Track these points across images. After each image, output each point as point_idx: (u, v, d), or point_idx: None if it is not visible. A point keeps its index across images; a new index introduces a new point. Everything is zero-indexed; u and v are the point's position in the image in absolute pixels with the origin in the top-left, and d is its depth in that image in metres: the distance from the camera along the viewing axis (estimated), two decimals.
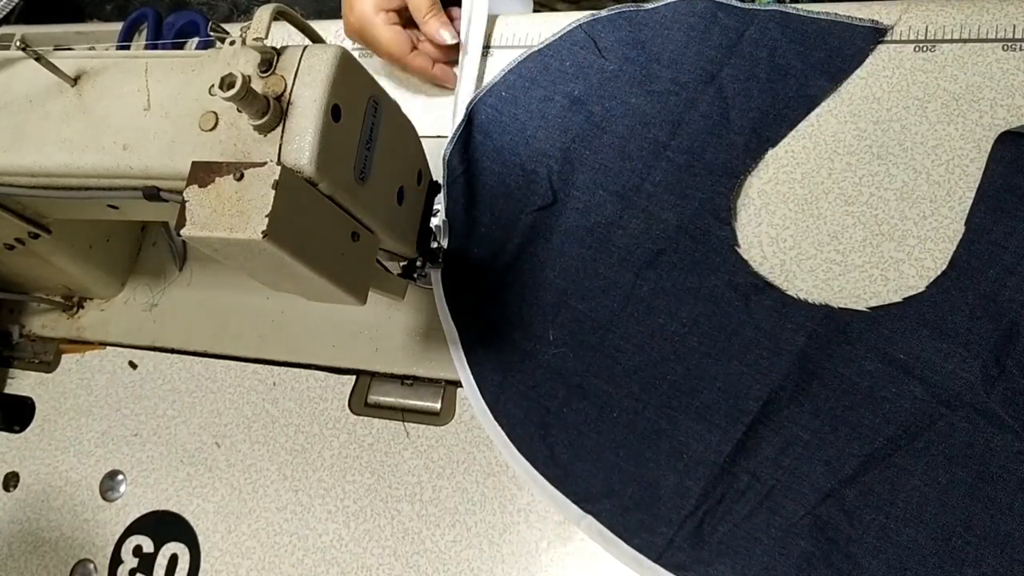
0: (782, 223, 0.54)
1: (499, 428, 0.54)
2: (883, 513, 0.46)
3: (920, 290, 0.50)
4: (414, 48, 0.63)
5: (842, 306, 0.51)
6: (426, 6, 0.61)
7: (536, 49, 0.62)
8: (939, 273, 0.50)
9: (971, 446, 0.46)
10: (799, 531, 0.47)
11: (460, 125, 0.61)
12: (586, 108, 0.59)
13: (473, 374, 0.55)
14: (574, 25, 0.61)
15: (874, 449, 0.48)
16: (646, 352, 0.53)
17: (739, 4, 0.58)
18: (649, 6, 0.61)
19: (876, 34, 0.56)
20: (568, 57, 0.61)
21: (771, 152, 0.56)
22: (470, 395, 0.55)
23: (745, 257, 0.54)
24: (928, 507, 0.46)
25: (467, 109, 0.61)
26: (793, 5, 0.58)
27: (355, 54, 0.63)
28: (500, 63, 0.64)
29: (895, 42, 0.56)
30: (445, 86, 0.64)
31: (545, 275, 0.56)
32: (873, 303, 0.51)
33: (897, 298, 0.50)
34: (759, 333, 0.51)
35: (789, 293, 0.52)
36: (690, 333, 0.53)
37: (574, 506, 0.51)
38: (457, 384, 0.57)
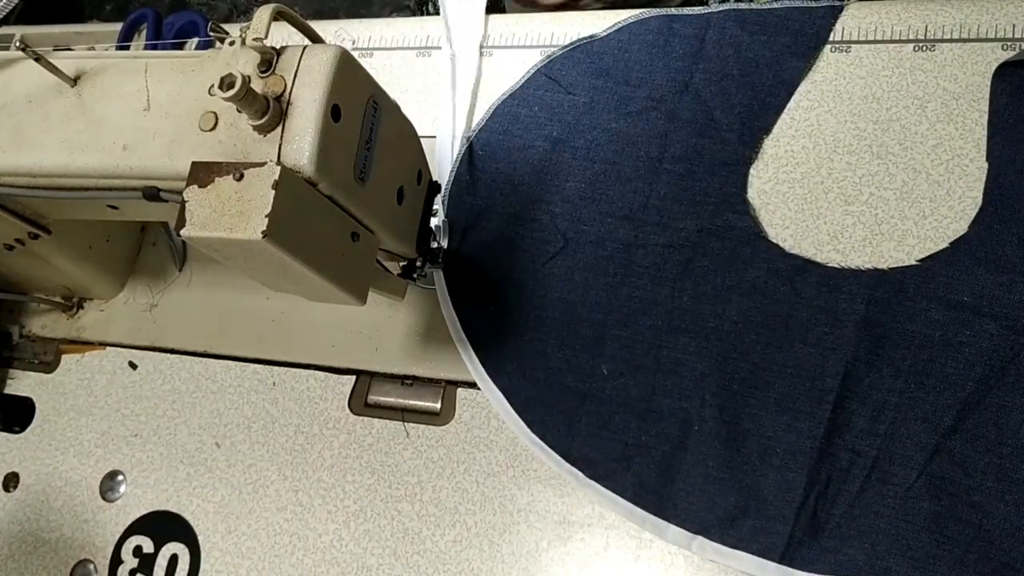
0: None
1: (578, 472, 0.53)
2: (995, 454, 0.46)
3: (964, 231, 0.51)
4: None
5: (891, 265, 0.51)
6: None
7: (500, 100, 0.62)
8: (977, 211, 0.51)
9: None
10: (917, 494, 0.47)
11: (447, 190, 0.61)
12: (569, 145, 0.59)
13: (534, 431, 0.54)
14: (533, 70, 0.62)
15: (967, 395, 0.48)
16: (706, 358, 0.52)
17: (691, 11, 0.59)
18: (602, 34, 0.61)
19: (834, 11, 0.57)
20: (535, 102, 0.61)
21: (771, 151, 0.56)
22: (536, 451, 0.54)
23: (776, 242, 0.54)
24: None
25: (450, 175, 0.61)
26: (749, 3, 0.60)
27: (355, 54, 0.63)
28: (500, 64, 0.64)
29: (895, 42, 0.56)
30: None
31: (578, 313, 0.56)
32: (921, 255, 0.51)
33: (944, 244, 0.51)
34: (814, 311, 0.51)
35: (832, 266, 0.52)
36: (744, 329, 0.52)
37: (679, 529, 0.50)
38: (457, 384, 0.57)
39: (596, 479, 0.52)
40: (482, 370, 0.56)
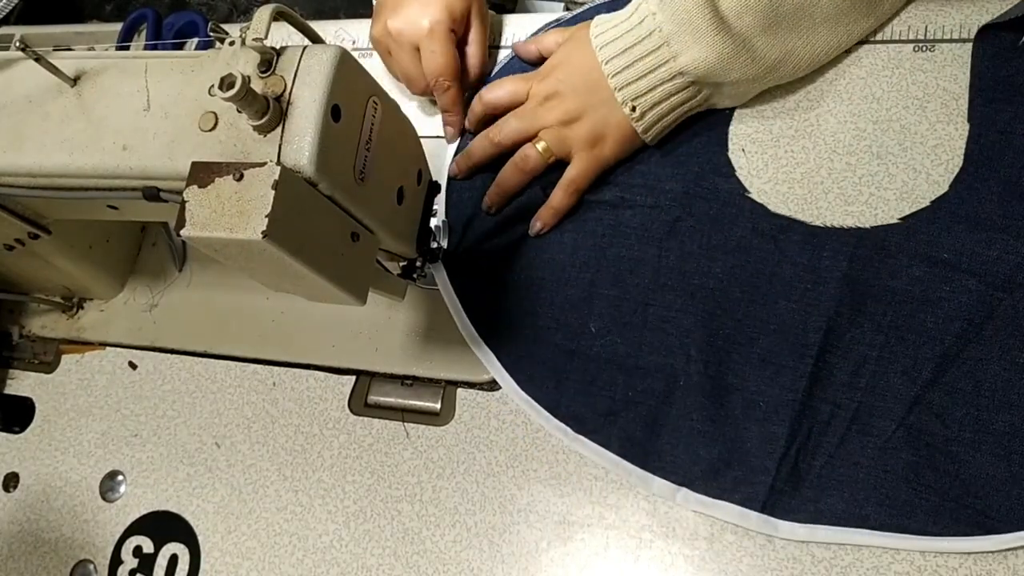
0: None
1: (567, 428, 0.54)
2: (973, 406, 0.47)
3: (944, 191, 0.51)
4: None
5: (873, 224, 0.52)
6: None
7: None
8: (957, 171, 0.51)
9: None
10: (896, 445, 0.48)
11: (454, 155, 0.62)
12: None
13: (523, 388, 0.55)
14: (505, 60, 0.63)
15: (945, 348, 0.49)
16: (692, 315, 0.53)
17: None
18: (569, 15, 0.62)
19: None
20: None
21: (771, 152, 0.56)
22: (526, 407, 0.55)
23: (761, 201, 0.55)
24: (1014, 389, 0.47)
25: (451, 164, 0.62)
26: None
27: (355, 54, 0.63)
28: (499, 63, 0.64)
29: (895, 42, 0.56)
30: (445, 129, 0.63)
31: (567, 274, 0.56)
32: (903, 213, 0.52)
33: (925, 203, 0.52)
34: (797, 268, 0.52)
35: (815, 224, 0.53)
36: (729, 286, 0.53)
37: (664, 481, 0.51)
38: (457, 384, 0.57)
39: (583, 434, 0.53)
40: (472, 330, 0.57)
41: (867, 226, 0.52)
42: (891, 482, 0.48)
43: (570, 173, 0.56)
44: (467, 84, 0.62)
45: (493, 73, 0.64)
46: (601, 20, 0.56)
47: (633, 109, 0.54)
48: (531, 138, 0.57)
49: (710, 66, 0.52)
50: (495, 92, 0.59)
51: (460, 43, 0.61)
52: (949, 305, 0.49)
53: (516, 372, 0.55)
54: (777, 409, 0.50)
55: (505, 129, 0.57)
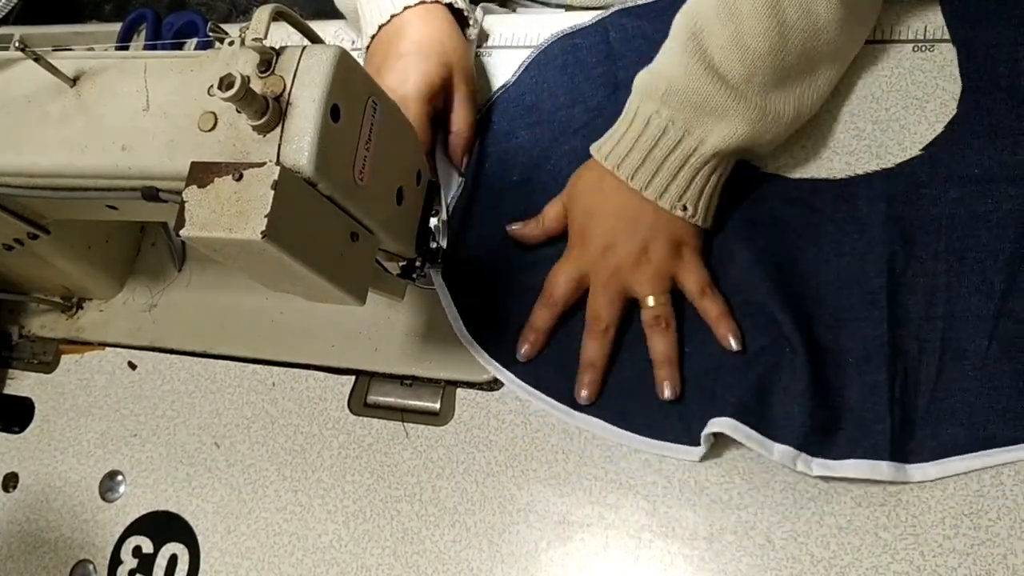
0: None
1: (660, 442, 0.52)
2: None
3: (954, 112, 0.53)
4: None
5: (896, 162, 0.53)
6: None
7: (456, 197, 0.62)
8: (960, 92, 0.53)
9: None
10: (993, 359, 0.48)
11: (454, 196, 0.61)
12: (538, 181, 0.60)
13: (592, 414, 0.53)
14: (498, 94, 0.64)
15: (1008, 257, 0.49)
16: (748, 298, 0.52)
17: (584, 24, 0.62)
18: (513, 79, 0.63)
19: None
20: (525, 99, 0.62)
21: (768, 153, 0.56)
22: (591, 426, 0.53)
23: (780, 173, 0.55)
24: None
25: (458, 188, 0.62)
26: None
27: (354, 55, 0.63)
28: (500, 64, 0.64)
29: (894, 42, 0.56)
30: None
31: None
32: (921, 143, 0.53)
33: (940, 128, 0.53)
34: (839, 223, 0.53)
35: (841, 177, 0.54)
36: (779, 259, 0.53)
37: (784, 447, 0.48)
38: (456, 384, 0.57)
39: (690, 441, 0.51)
40: (501, 369, 0.56)
41: (891, 165, 0.53)
42: (1003, 396, 0.47)
43: (688, 285, 0.53)
44: (458, 146, 0.60)
45: (483, 109, 0.63)
46: (599, 145, 0.54)
47: (684, 208, 0.52)
48: (631, 302, 0.54)
49: (744, 136, 0.51)
50: (557, 291, 0.54)
51: (445, 108, 0.59)
52: (996, 215, 0.50)
53: (563, 398, 0.54)
54: (868, 359, 0.50)
55: (601, 314, 0.53)
